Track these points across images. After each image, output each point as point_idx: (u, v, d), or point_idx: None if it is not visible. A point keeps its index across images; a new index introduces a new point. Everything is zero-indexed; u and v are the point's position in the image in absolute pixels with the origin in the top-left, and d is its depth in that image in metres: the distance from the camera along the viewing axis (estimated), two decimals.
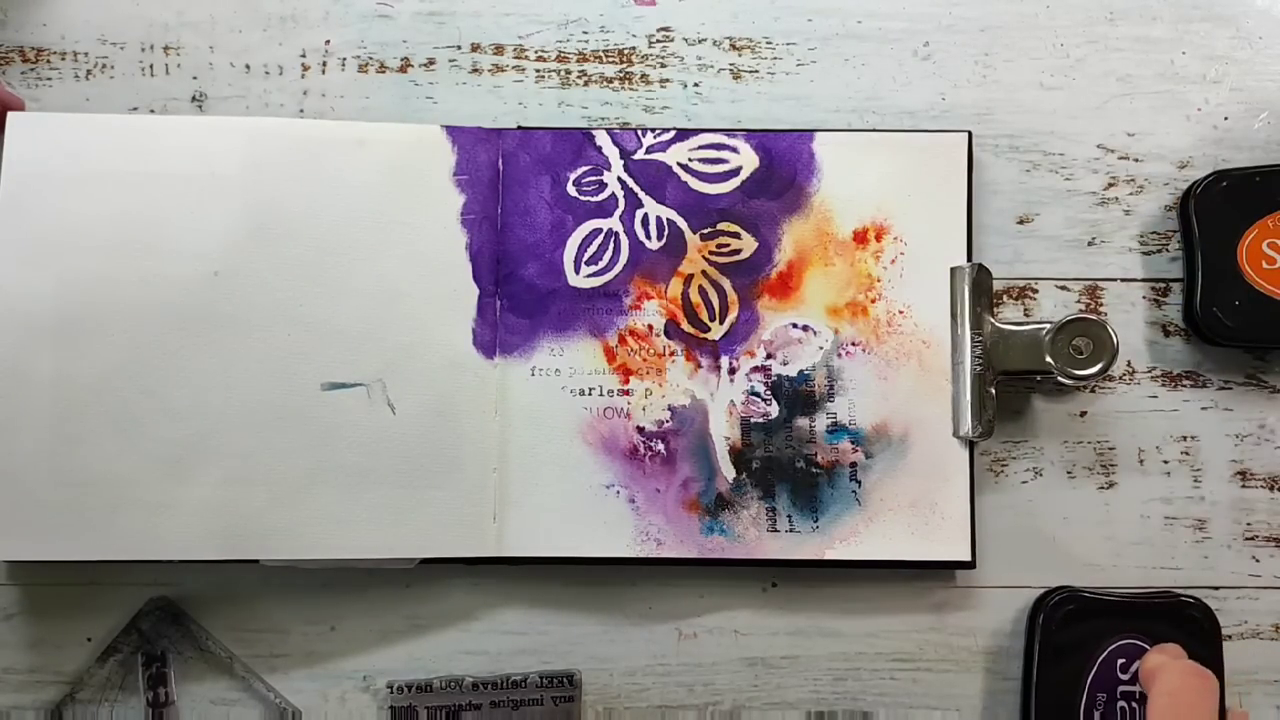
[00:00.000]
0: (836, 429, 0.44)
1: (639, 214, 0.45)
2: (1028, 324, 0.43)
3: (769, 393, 0.44)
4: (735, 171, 0.45)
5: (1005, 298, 0.46)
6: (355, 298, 0.43)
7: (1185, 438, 0.45)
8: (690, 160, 0.45)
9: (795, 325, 0.44)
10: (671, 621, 0.45)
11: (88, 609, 0.44)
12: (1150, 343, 0.46)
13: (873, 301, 0.44)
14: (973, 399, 0.43)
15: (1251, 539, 0.45)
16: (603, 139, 0.45)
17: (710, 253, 0.44)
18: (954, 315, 0.44)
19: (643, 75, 0.47)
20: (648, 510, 0.43)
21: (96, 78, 0.46)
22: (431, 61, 0.47)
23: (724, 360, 0.44)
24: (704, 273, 0.44)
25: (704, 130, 0.45)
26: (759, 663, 0.45)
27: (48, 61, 0.46)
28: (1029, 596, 0.44)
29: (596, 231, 0.44)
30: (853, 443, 0.44)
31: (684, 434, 0.44)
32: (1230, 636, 0.44)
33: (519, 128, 0.45)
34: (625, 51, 0.47)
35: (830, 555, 0.43)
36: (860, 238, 0.44)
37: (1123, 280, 0.46)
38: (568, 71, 0.47)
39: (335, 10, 0.47)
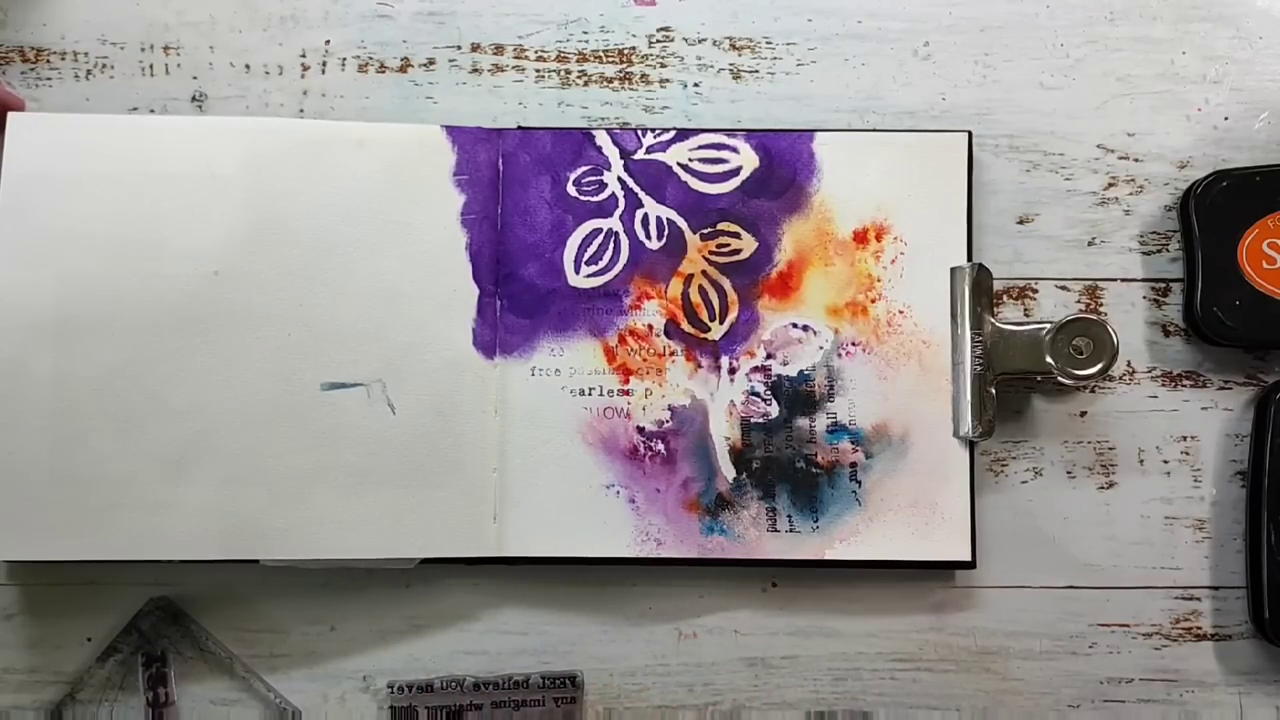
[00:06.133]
0: (836, 429, 0.44)
1: (639, 214, 0.45)
2: (1028, 324, 0.43)
3: (769, 393, 0.44)
4: (735, 171, 0.45)
5: (1005, 298, 0.46)
6: (355, 298, 0.43)
7: (1185, 438, 0.45)
8: (690, 160, 0.45)
9: (795, 325, 0.44)
10: (671, 621, 0.45)
11: (88, 609, 0.44)
12: (1150, 343, 0.46)
13: (873, 301, 0.44)
14: (973, 399, 0.43)
15: None
16: (603, 139, 0.45)
17: (710, 253, 0.44)
18: (954, 315, 0.44)
19: (643, 75, 0.47)
20: (648, 510, 0.43)
21: (96, 78, 0.46)
22: (431, 61, 0.47)
23: (724, 360, 0.44)
24: (704, 273, 0.44)
25: (704, 130, 0.45)
26: (759, 663, 0.45)
27: (48, 61, 0.46)
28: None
29: (596, 231, 0.44)
30: (853, 443, 0.44)
31: (684, 434, 0.44)
32: (1230, 637, 0.45)
33: (519, 128, 0.45)
34: (625, 51, 0.47)
35: (830, 555, 0.43)
36: (860, 238, 0.44)
37: (1123, 280, 0.46)
38: (568, 71, 0.47)
39: (335, 10, 0.47)
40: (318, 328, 0.43)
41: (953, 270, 0.44)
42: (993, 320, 0.43)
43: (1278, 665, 0.44)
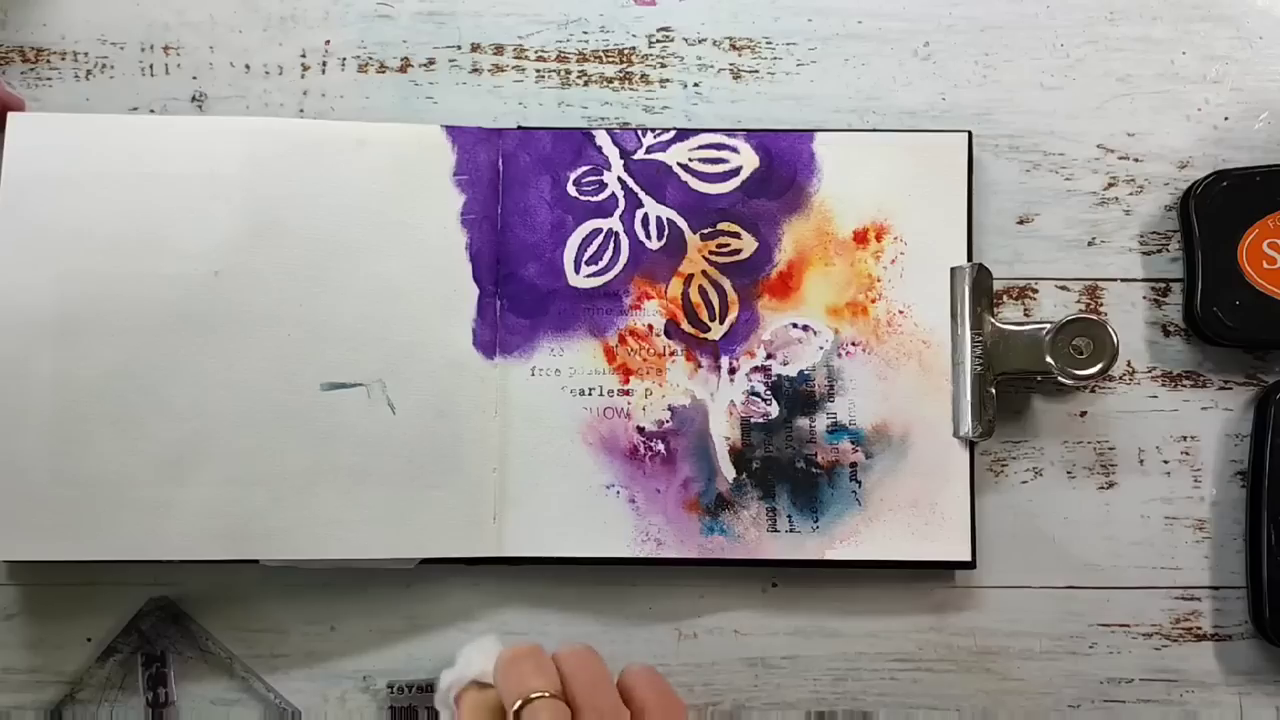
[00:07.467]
0: (836, 429, 0.44)
1: (639, 214, 0.45)
2: (1028, 324, 0.43)
3: (769, 393, 0.44)
4: (735, 171, 0.45)
5: (1005, 298, 0.46)
6: (355, 298, 0.43)
7: (1185, 438, 0.45)
8: (690, 160, 0.45)
9: (795, 325, 0.44)
10: (671, 621, 0.45)
11: (88, 609, 0.44)
12: (1150, 343, 0.46)
13: (873, 301, 0.44)
14: (973, 399, 0.43)
15: None
16: (603, 139, 0.45)
17: (710, 253, 0.44)
18: (954, 315, 0.44)
19: (643, 75, 0.47)
20: (648, 510, 0.43)
21: (96, 78, 0.46)
22: (431, 61, 0.47)
23: (724, 360, 0.44)
24: (704, 273, 0.44)
25: (704, 130, 0.45)
26: (759, 663, 0.45)
27: (48, 61, 0.46)
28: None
29: (596, 231, 0.44)
30: (853, 443, 0.44)
31: (684, 434, 0.44)
32: (1230, 637, 0.44)
33: (519, 128, 0.45)
34: (625, 51, 0.47)
35: (830, 555, 0.43)
36: (860, 238, 0.44)
37: (1123, 280, 0.46)
38: (568, 71, 0.47)
39: (335, 10, 0.47)
40: (318, 328, 0.43)
41: (953, 270, 0.44)
42: (993, 320, 0.43)
43: (1278, 665, 0.44)
